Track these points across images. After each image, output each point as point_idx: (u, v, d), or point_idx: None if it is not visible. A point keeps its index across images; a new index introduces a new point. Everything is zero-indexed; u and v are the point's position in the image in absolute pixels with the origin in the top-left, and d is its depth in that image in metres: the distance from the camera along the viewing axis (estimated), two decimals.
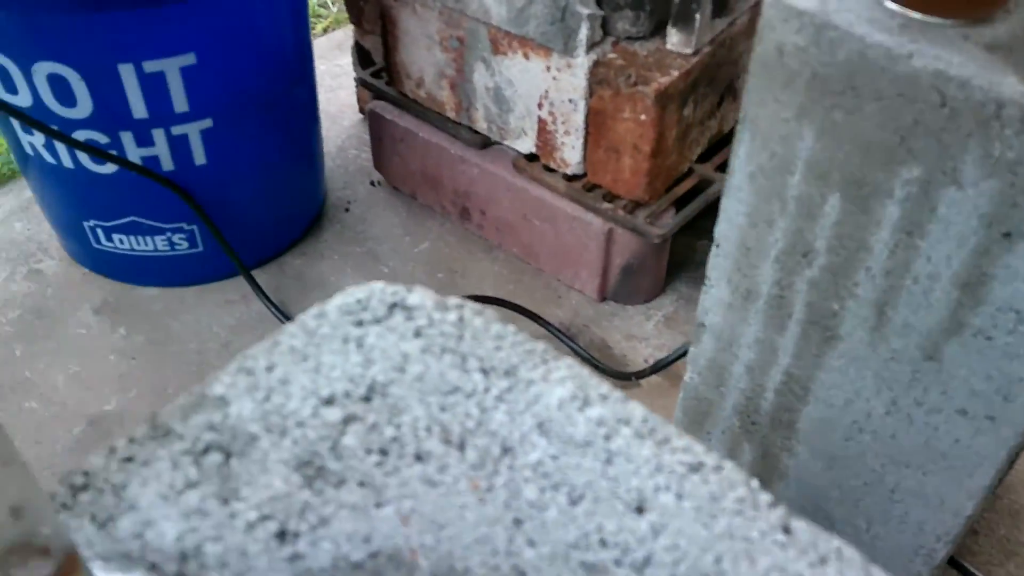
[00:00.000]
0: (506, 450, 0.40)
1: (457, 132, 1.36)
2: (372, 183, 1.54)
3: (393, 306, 0.46)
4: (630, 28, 1.15)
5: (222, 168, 1.19)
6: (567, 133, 1.23)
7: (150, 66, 1.03)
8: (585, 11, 1.11)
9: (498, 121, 1.30)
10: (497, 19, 1.18)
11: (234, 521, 0.38)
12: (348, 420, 0.41)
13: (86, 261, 1.34)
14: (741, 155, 0.81)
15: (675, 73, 1.12)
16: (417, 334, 0.45)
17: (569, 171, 1.27)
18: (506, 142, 1.32)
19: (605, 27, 1.15)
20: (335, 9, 2.06)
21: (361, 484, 0.39)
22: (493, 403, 0.42)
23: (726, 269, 0.89)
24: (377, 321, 0.46)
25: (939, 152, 0.65)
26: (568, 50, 1.14)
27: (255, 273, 1.33)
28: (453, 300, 0.47)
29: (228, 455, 0.40)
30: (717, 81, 1.23)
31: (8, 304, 1.32)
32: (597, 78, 1.15)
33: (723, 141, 1.34)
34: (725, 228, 0.89)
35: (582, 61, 1.14)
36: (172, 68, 1.05)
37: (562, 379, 0.43)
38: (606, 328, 1.33)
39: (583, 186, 1.27)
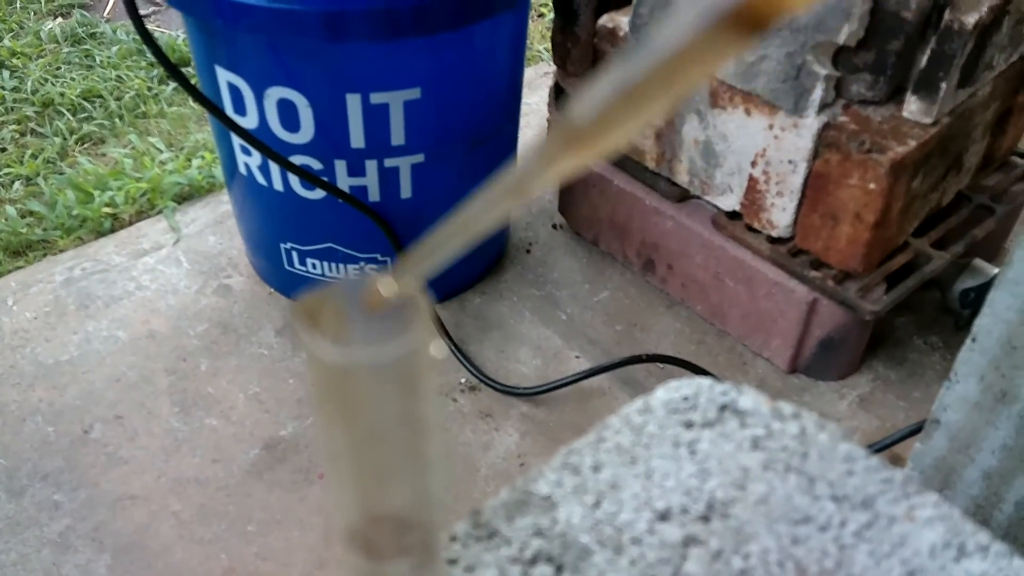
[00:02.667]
0: None
1: (655, 183, 1.32)
2: (554, 226, 1.52)
3: (723, 408, 0.42)
4: (865, 92, 1.08)
5: (425, 202, 1.18)
6: (779, 194, 1.17)
7: (376, 98, 1.03)
8: (823, 71, 1.05)
9: (702, 175, 1.25)
10: (722, 72, 1.13)
11: None
12: (688, 542, 0.37)
13: (274, 281, 1.36)
14: (999, 297, 0.74)
15: (912, 143, 1.05)
16: (755, 446, 0.40)
17: (775, 233, 1.21)
18: (707, 197, 1.27)
19: (838, 89, 1.09)
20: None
21: None
22: (852, 540, 0.37)
23: (980, 366, 0.81)
24: (708, 425, 0.41)
25: None
26: (798, 110, 1.08)
27: (436, 309, 1.31)
28: (788, 408, 0.42)
29: (560, 568, 0.36)
30: (948, 153, 1.15)
31: (197, 317, 1.34)
32: (826, 141, 1.08)
33: (939, 216, 1.25)
34: (989, 322, 0.81)
35: (811, 122, 1.08)
36: (396, 101, 1.04)
37: (930, 520, 0.38)
38: (795, 404, 1.25)
39: (788, 250, 1.20)
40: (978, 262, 1.25)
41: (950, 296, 1.27)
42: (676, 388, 0.43)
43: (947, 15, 1.04)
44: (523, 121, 1.75)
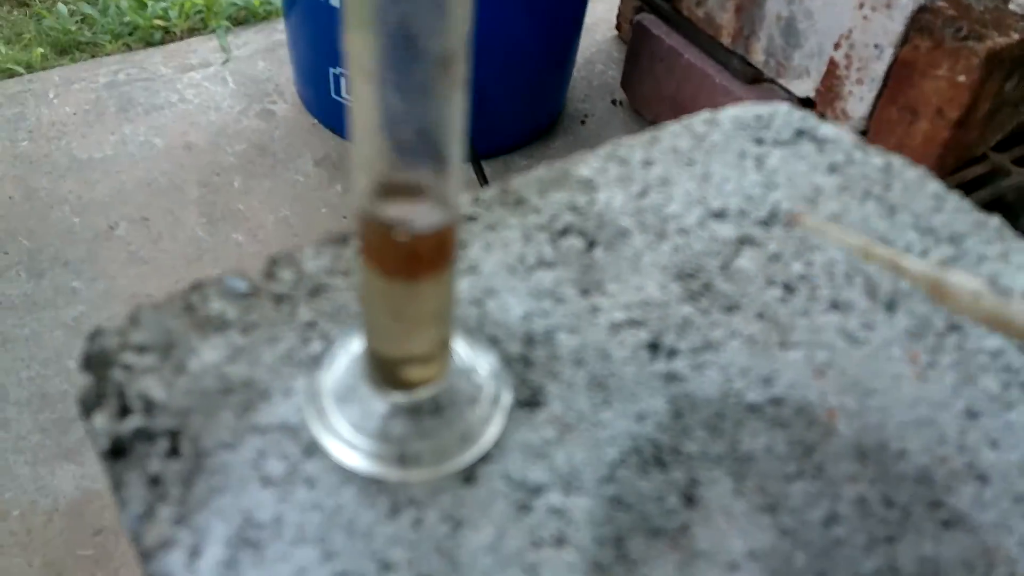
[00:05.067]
0: (954, 327, 0.30)
1: (728, 61, 1.24)
2: (614, 102, 1.45)
3: (801, 133, 0.37)
4: None
5: (477, 38, 1.12)
6: (859, 82, 1.09)
7: None
8: None
9: (780, 56, 1.18)
10: None
11: (595, 317, 0.29)
12: (744, 241, 0.32)
13: (319, 112, 1.32)
14: None
15: (1015, 36, 0.97)
16: (832, 169, 0.35)
17: (848, 125, 1.13)
18: (781, 80, 1.20)
19: None
20: None
21: (760, 316, 0.30)
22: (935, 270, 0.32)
23: None
24: (781, 143, 0.36)
25: None
26: None
27: (481, 161, 1.26)
28: (877, 147, 0.36)
29: (592, 243, 0.32)
30: None
31: (237, 136, 1.31)
32: (919, 25, 1.00)
33: None
34: None
35: (906, 2, 1.00)
36: None
37: None
38: None
39: None
40: None
41: (1021, 223, 1.19)
42: (749, 107, 0.38)
43: None
44: (588, 39, 1.66)
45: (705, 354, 0.29)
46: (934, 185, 0.35)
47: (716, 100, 1.27)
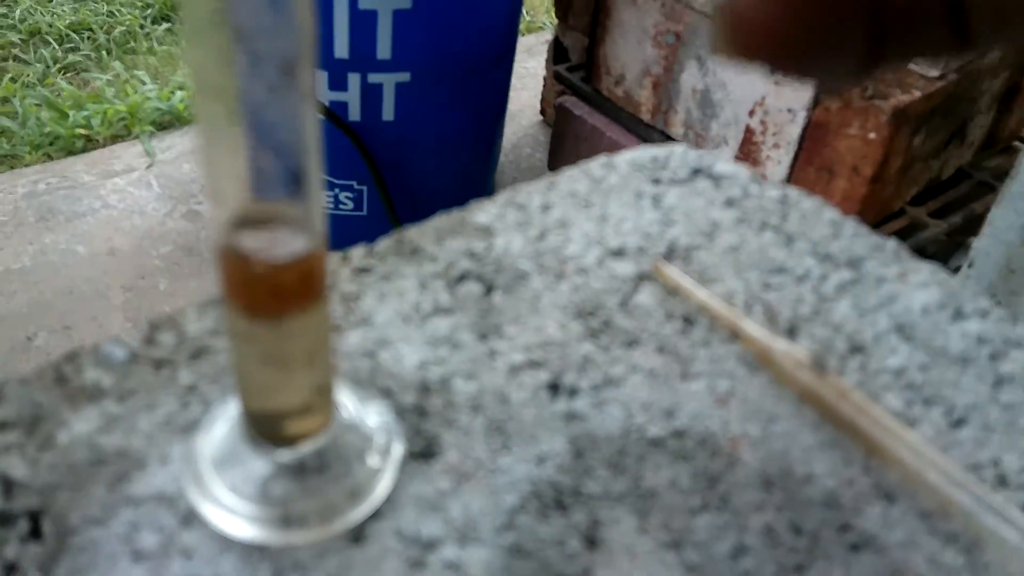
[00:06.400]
0: (856, 348, 0.30)
1: (649, 136, 1.27)
2: None
3: (697, 171, 0.37)
4: None
5: (407, 128, 1.13)
6: (776, 146, 1.12)
7: (365, 3, 0.98)
8: None
9: (698, 127, 1.21)
10: None
11: (494, 361, 0.28)
12: (643, 277, 0.32)
13: None
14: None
15: (916, 93, 1.01)
16: (730, 203, 0.35)
17: None
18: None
19: None
20: (527, 17, 2.03)
21: (661, 350, 0.29)
22: (833, 293, 0.32)
23: (975, 293, 0.76)
24: (678, 182, 0.36)
25: None
26: None
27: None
28: (773, 181, 0.37)
29: (490, 288, 0.31)
30: (952, 116, 1.11)
31: (162, 239, 1.29)
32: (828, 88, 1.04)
33: (939, 188, 1.21)
34: (987, 244, 0.76)
35: None
36: (386, 9, 1.00)
37: (924, 283, 0.33)
38: None
39: None
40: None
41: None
42: (646, 149, 0.38)
43: None
44: (519, 83, 1.71)
45: (606, 391, 0.28)
46: (830, 213, 0.35)
47: None
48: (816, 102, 1.06)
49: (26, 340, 1.13)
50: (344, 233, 1.25)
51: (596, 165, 0.37)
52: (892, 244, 0.34)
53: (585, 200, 0.35)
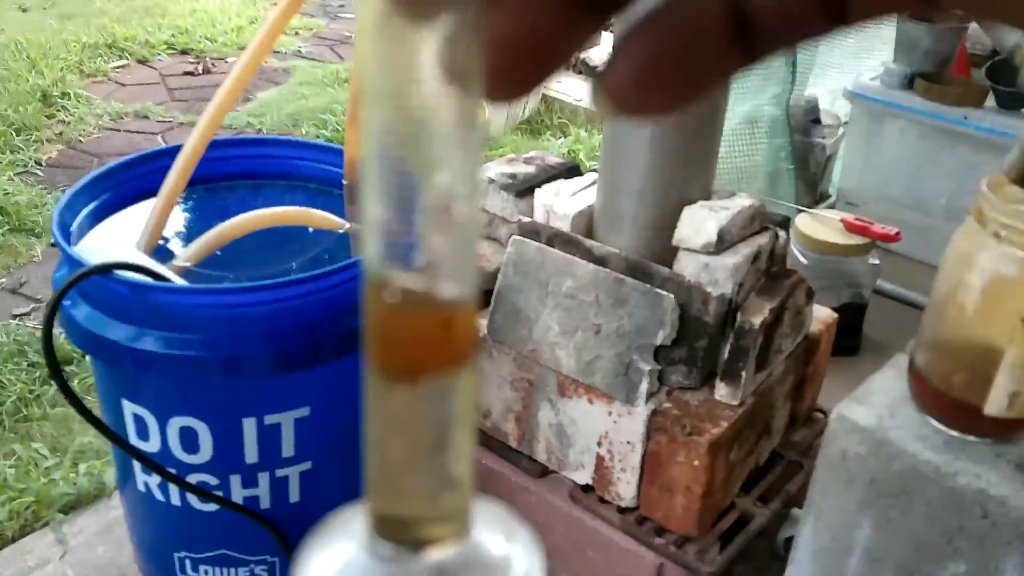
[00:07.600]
0: None
1: (518, 461, 1.49)
2: None
3: None
4: (683, 380, 1.31)
5: (312, 505, 1.30)
6: (623, 470, 1.36)
7: (270, 419, 1.17)
8: (646, 367, 1.28)
9: (558, 453, 1.44)
10: (567, 369, 1.35)
11: None
12: None
13: None
14: (806, 535, 0.93)
15: (724, 424, 1.27)
16: None
17: (623, 504, 1.38)
18: (564, 472, 1.45)
19: (661, 378, 1.31)
20: None
21: None
22: None
23: None
24: None
25: (981, 553, 0.77)
26: (629, 400, 1.30)
27: None
28: None
29: None
30: (757, 424, 1.38)
31: None
32: (655, 425, 1.29)
33: (759, 473, 1.47)
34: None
35: (641, 410, 1.30)
36: (288, 420, 1.19)
37: None
38: None
39: (636, 519, 1.37)
40: (795, 511, 1.46)
41: (776, 544, 1.46)
42: None
43: (739, 317, 1.30)
44: None
45: None
46: None
47: (515, 495, 1.49)
48: (648, 436, 1.31)
49: None
50: None
51: None
52: None
53: None
